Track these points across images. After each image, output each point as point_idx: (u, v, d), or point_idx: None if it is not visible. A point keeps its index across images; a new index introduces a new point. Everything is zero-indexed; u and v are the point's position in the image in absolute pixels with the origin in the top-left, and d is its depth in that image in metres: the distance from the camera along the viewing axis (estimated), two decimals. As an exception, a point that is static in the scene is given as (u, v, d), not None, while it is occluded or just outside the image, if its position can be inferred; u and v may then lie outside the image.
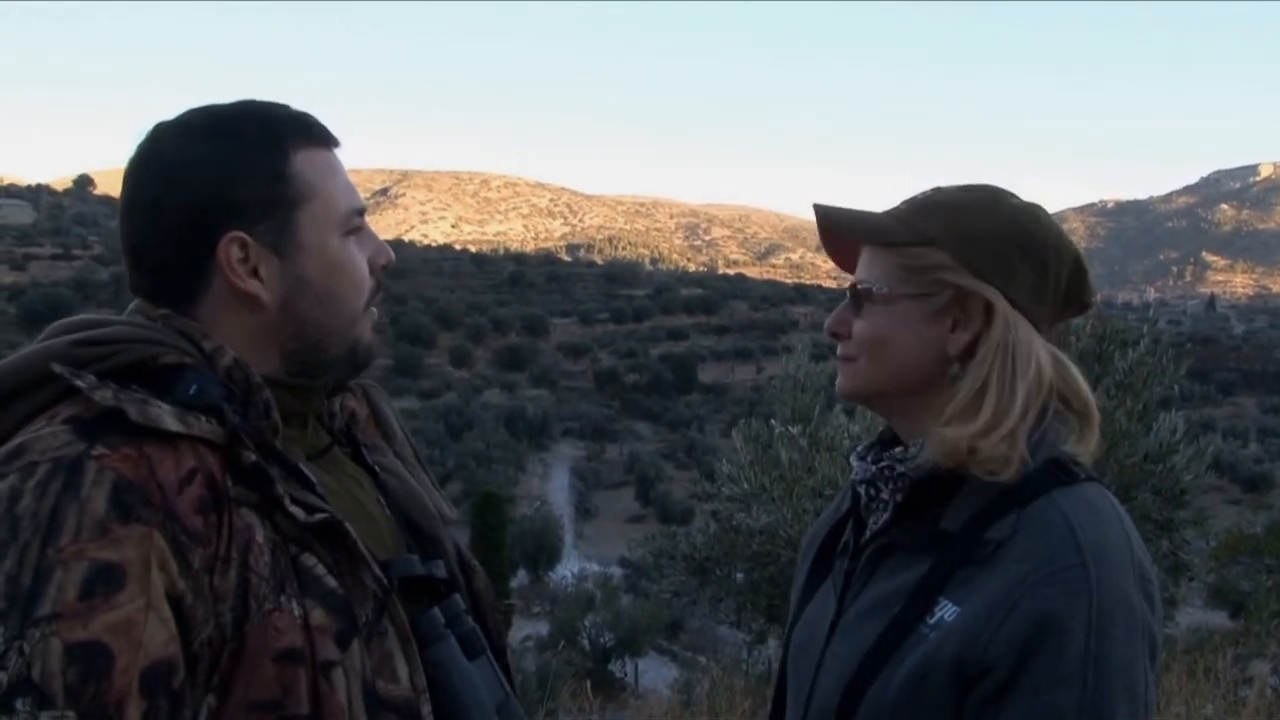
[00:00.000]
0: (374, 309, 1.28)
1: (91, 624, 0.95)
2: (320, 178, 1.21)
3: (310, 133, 1.22)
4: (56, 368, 1.08)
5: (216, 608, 1.03)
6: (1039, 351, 1.27)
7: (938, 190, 1.36)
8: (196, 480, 1.06)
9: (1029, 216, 1.32)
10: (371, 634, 1.12)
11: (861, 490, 1.37)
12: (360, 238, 1.26)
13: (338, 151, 1.26)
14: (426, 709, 1.14)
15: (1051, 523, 1.20)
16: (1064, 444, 1.30)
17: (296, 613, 1.07)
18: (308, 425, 1.28)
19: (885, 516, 1.33)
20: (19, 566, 0.96)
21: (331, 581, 1.11)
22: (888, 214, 1.35)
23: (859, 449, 1.41)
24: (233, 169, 1.17)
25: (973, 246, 1.28)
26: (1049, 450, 1.26)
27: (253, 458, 1.10)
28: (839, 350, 1.37)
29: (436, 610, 1.23)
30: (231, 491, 1.08)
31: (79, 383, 1.06)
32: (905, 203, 1.36)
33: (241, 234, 1.17)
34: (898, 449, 1.33)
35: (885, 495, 1.33)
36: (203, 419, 1.09)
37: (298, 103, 1.26)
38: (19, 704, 0.92)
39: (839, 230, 1.38)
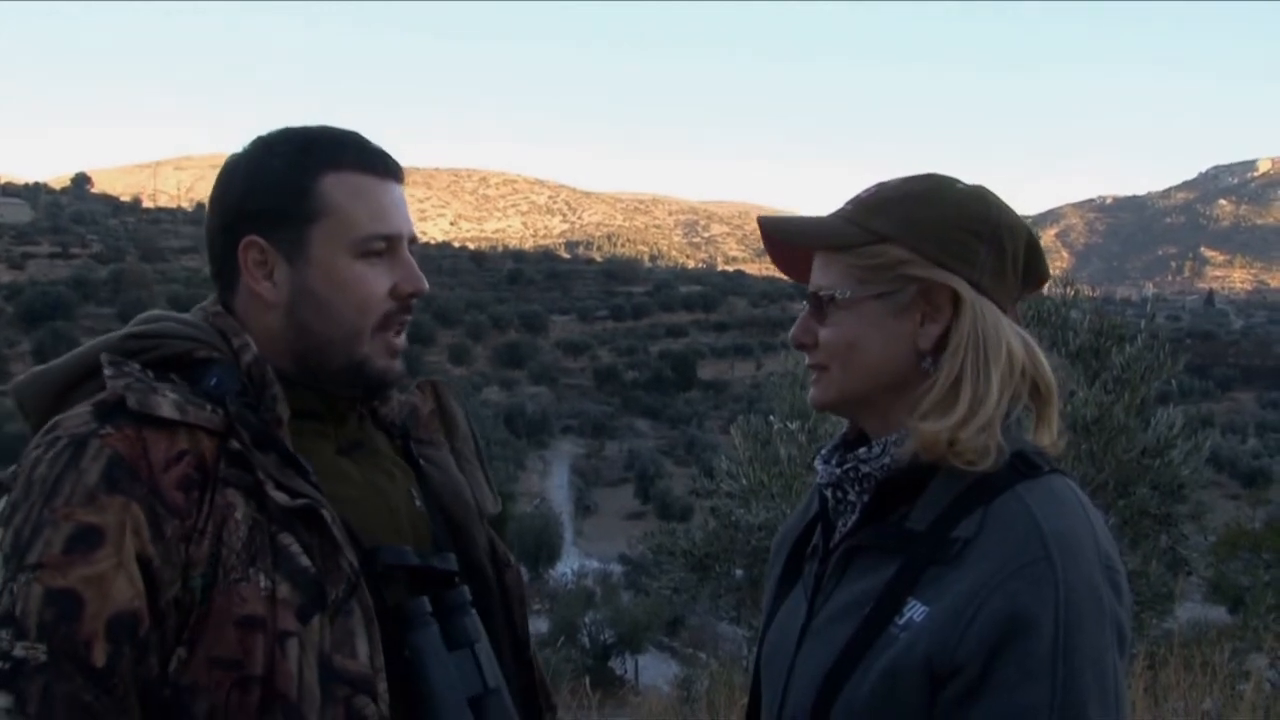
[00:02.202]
0: (395, 337, 1.37)
1: (70, 574, 1.11)
2: (345, 200, 1.32)
3: (350, 158, 1.33)
4: (102, 357, 1.25)
5: (186, 572, 1.17)
6: (1009, 335, 1.27)
7: (882, 185, 1.34)
8: (184, 461, 1.20)
9: (978, 199, 1.31)
10: (337, 612, 1.21)
11: (828, 493, 1.37)
12: (389, 262, 1.35)
13: (382, 181, 1.35)
14: (382, 687, 1.22)
15: (1017, 517, 1.19)
16: (1026, 434, 1.30)
17: (263, 585, 1.18)
18: (347, 421, 1.39)
19: (853, 518, 1.33)
20: (24, 522, 1.14)
21: (304, 561, 1.21)
22: (836, 216, 1.34)
23: (823, 452, 1.40)
24: (262, 180, 1.31)
25: (930, 237, 1.27)
26: (1013, 443, 1.26)
27: (237, 446, 1.22)
28: (807, 360, 1.36)
29: (424, 599, 1.30)
30: (222, 473, 1.21)
31: (106, 372, 1.22)
32: (850, 202, 1.34)
33: (259, 239, 1.31)
34: (861, 450, 1.32)
35: (852, 497, 1.33)
36: (207, 408, 1.24)
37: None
38: (2, 634, 1.09)
39: (790, 240, 1.36)
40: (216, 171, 1.38)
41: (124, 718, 1.12)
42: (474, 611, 1.35)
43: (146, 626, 1.14)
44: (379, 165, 1.35)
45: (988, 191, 1.33)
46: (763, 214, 1.38)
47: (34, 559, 1.11)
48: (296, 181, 1.31)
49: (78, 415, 1.20)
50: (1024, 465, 1.25)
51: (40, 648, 1.09)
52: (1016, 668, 1.13)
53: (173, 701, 1.15)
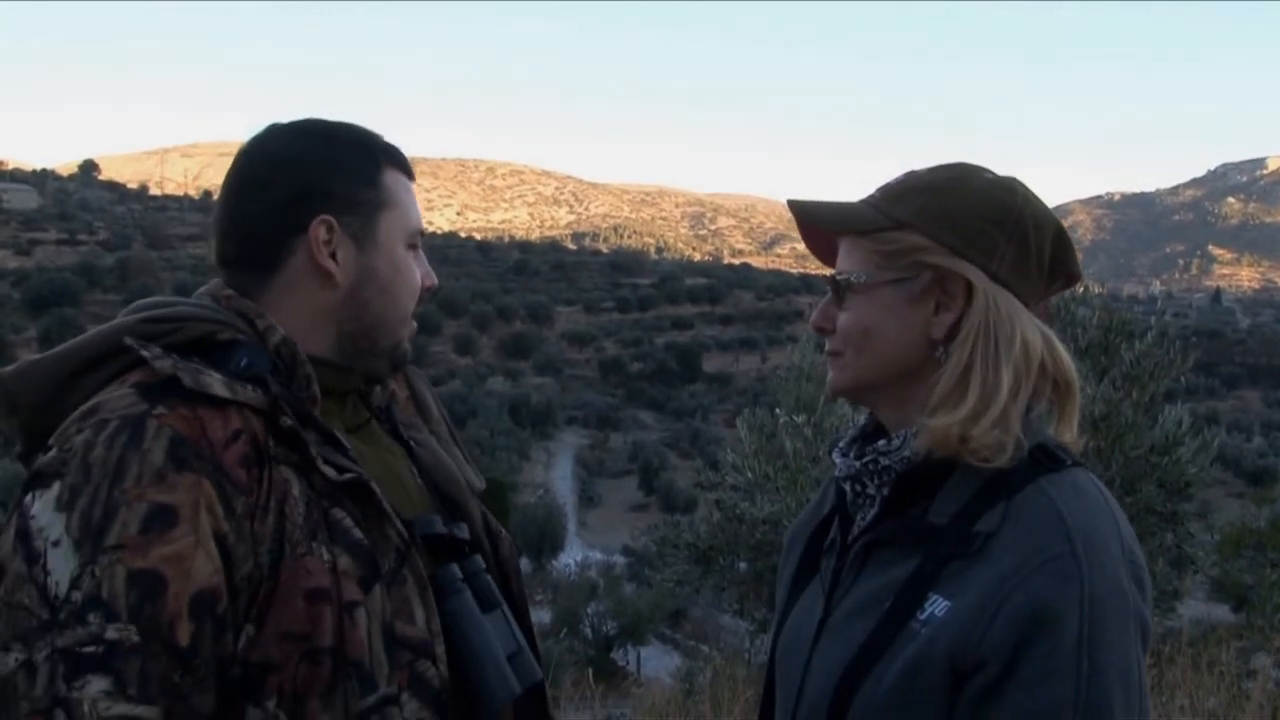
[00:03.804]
0: (413, 321, 1.45)
1: (150, 554, 1.12)
2: (401, 194, 1.41)
3: (397, 158, 1.43)
4: (128, 340, 1.25)
5: (255, 548, 1.18)
6: (1025, 327, 1.25)
7: (910, 174, 1.34)
8: (241, 439, 1.21)
9: (1004, 190, 1.29)
10: (392, 581, 1.26)
11: (846, 486, 1.35)
12: (416, 255, 1.44)
13: (413, 183, 1.47)
14: (440, 650, 1.27)
15: (1040, 511, 1.18)
16: (1048, 428, 1.28)
17: (325, 558, 1.21)
18: (347, 402, 1.42)
19: (873, 512, 1.31)
20: (91, 504, 1.12)
21: (358, 533, 1.25)
22: (862, 201, 1.33)
23: (841, 444, 1.39)
24: (337, 166, 1.36)
25: (948, 225, 1.26)
26: (1034, 436, 1.25)
27: (289, 422, 1.25)
28: (826, 346, 1.36)
29: (455, 566, 1.36)
30: (272, 451, 1.24)
31: (145, 353, 1.22)
32: (880, 189, 1.34)
33: (330, 218, 1.34)
34: (881, 442, 1.31)
35: (871, 490, 1.31)
36: (249, 388, 1.25)
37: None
38: (91, 617, 1.09)
39: (814, 222, 1.36)
40: (225, 159, 1.41)
41: (204, 697, 1.14)
42: (489, 577, 1.40)
43: (225, 604, 1.16)
44: (409, 168, 1.45)
45: (1018, 183, 1.32)
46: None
47: (112, 540, 1.11)
48: (368, 172, 1.38)
49: (121, 397, 1.20)
50: (1046, 458, 1.23)
51: (131, 629, 1.09)
52: (1040, 664, 1.11)
53: (242, 678, 1.17)
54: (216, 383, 1.22)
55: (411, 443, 1.50)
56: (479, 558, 1.41)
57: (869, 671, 1.21)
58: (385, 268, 1.38)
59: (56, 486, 1.15)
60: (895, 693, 1.18)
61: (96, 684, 1.07)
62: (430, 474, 1.48)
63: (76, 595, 1.09)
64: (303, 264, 1.35)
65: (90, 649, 1.08)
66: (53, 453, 1.18)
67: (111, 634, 1.09)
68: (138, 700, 1.08)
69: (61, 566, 1.11)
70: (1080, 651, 1.11)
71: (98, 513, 1.12)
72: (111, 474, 1.14)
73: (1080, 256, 1.36)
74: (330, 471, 1.24)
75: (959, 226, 1.26)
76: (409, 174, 1.45)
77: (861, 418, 1.44)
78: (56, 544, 1.12)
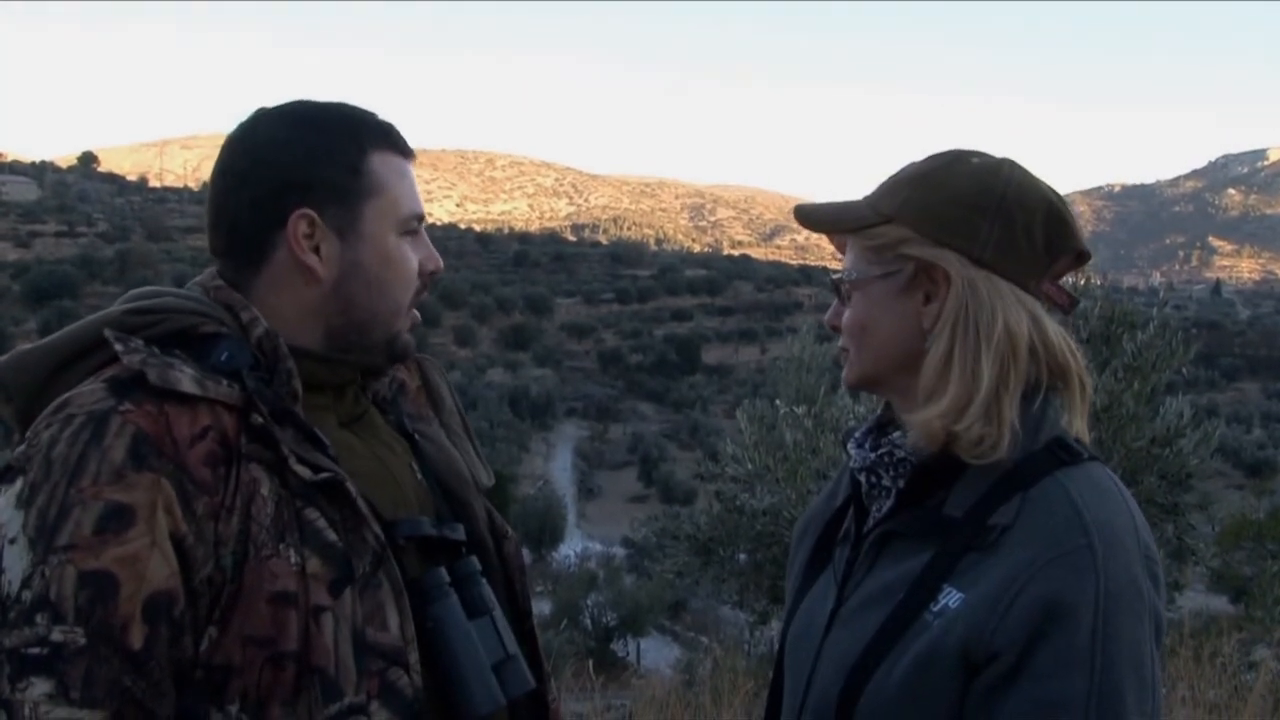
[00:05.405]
0: (415, 311, 1.40)
1: (102, 555, 1.09)
2: (391, 179, 1.35)
3: (389, 139, 1.37)
4: (106, 333, 1.22)
5: (218, 550, 1.15)
6: (1008, 312, 1.21)
7: (906, 165, 1.33)
8: (209, 437, 1.18)
9: (988, 172, 1.27)
10: (366, 585, 1.21)
11: (862, 478, 1.34)
12: (415, 241, 1.38)
13: (410, 162, 1.40)
14: (414, 658, 1.23)
15: (1057, 504, 1.17)
16: (1063, 419, 1.27)
17: (293, 560, 1.18)
18: (345, 394, 1.38)
19: (888, 503, 1.30)
20: (48, 503, 1.10)
21: (331, 535, 1.21)
22: (862, 199, 1.33)
23: (856, 435, 1.38)
24: (316, 155, 1.31)
25: (929, 214, 1.25)
26: (1051, 429, 1.23)
27: (260, 420, 1.21)
28: (839, 343, 1.36)
29: (441, 569, 1.31)
30: (245, 449, 1.20)
31: (118, 347, 1.19)
32: (880, 184, 1.33)
33: (311, 212, 1.30)
34: (895, 434, 1.30)
35: (886, 482, 1.30)
36: (224, 383, 1.21)
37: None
38: (38, 619, 1.07)
39: (810, 226, 1.37)
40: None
41: (160, 701, 1.11)
42: (484, 580, 1.36)
43: (182, 606, 1.13)
44: (406, 147, 1.39)
45: (1006, 163, 1.29)
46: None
47: (64, 540, 1.09)
48: (351, 159, 1.32)
49: (90, 392, 1.17)
50: (1063, 451, 1.22)
51: (78, 631, 1.07)
52: (1054, 656, 1.11)
53: (204, 682, 1.14)
54: (185, 379, 1.18)
55: (416, 436, 1.46)
56: (474, 559, 1.37)
57: (880, 662, 1.20)
58: (373, 260, 1.33)
59: (19, 483, 1.13)
60: (906, 683, 1.17)
61: (39, 686, 1.05)
62: (434, 469, 1.44)
63: (26, 595, 1.08)
64: (286, 259, 1.31)
65: (35, 650, 1.06)
66: (21, 448, 1.16)
67: (57, 636, 1.06)
68: (80, 704, 1.06)
69: (15, 565, 1.09)
70: (1094, 645, 1.11)
71: (53, 511, 1.10)
72: (70, 472, 1.11)
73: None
74: (304, 470, 1.20)
75: (939, 215, 1.25)
76: (404, 154, 1.38)
77: (862, 408, 1.42)
78: (13, 542, 1.10)
